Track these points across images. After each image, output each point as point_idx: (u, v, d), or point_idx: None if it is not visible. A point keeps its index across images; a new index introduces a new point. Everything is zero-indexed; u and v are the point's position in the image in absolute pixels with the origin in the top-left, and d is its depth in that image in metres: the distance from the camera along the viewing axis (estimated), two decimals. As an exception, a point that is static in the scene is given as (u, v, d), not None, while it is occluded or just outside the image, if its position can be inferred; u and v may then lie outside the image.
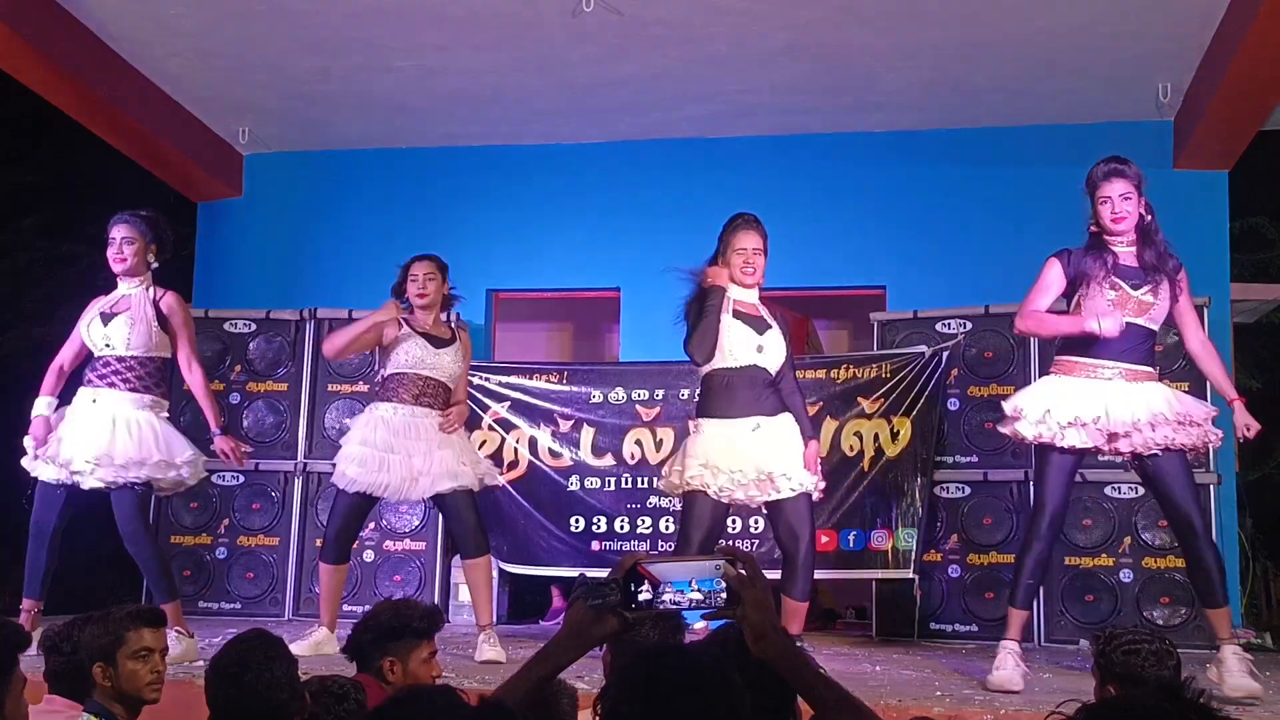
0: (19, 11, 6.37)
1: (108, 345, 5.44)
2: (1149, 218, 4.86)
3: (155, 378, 5.50)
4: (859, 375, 6.86)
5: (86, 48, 6.95)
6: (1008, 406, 4.93)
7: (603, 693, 1.72)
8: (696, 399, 5.29)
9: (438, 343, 5.67)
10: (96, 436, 5.28)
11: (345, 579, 5.88)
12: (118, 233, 5.56)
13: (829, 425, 6.75)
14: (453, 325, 5.92)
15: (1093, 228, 4.90)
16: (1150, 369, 4.88)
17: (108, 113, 7.41)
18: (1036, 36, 6.77)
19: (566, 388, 7.23)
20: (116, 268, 5.56)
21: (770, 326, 5.12)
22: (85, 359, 5.53)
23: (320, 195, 8.59)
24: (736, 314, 5.08)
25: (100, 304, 5.56)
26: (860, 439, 6.78)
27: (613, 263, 8.18)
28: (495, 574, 7.08)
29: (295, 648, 5.03)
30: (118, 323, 5.45)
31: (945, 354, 6.75)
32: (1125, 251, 4.86)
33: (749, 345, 5.04)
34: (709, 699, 1.65)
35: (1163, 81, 7.21)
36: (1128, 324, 4.74)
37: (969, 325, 6.92)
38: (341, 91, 7.72)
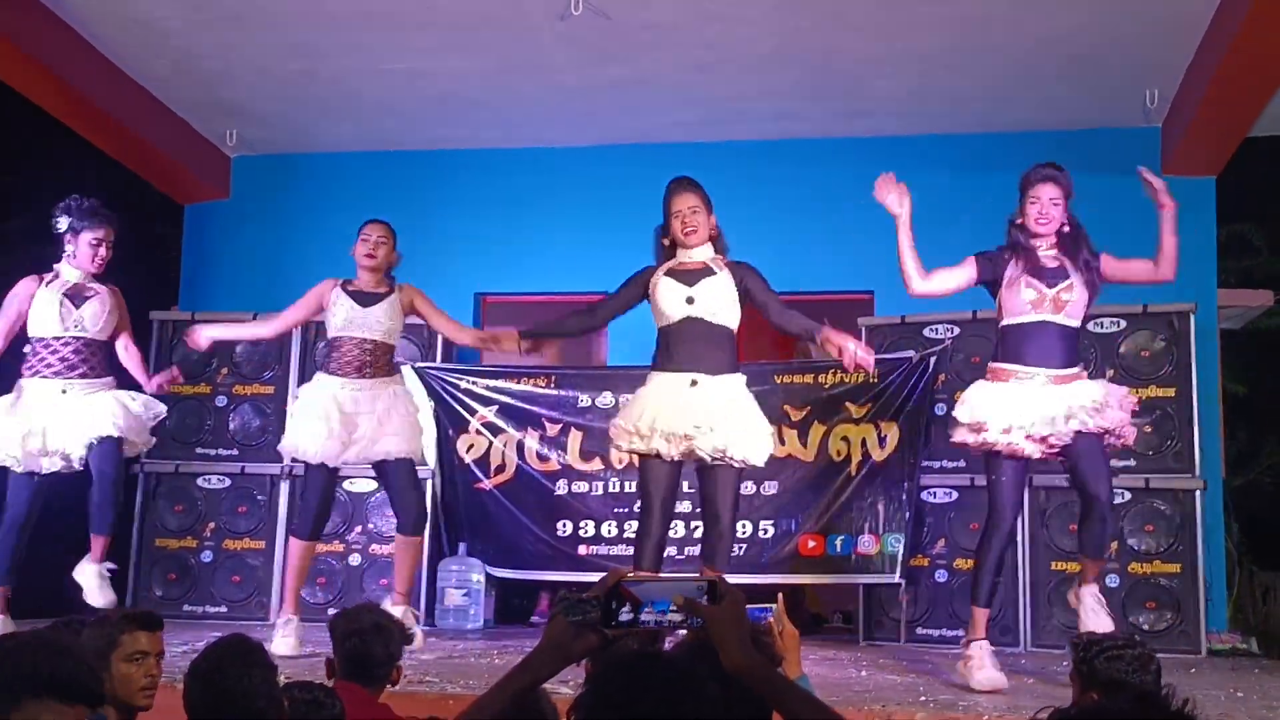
0: (3, 13, 6.35)
1: (77, 326, 5.68)
2: (1070, 230, 5.03)
3: (107, 360, 5.87)
4: (846, 380, 6.83)
5: (73, 49, 6.93)
6: (959, 415, 5.06)
7: (577, 702, 1.71)
8: None
9: (365, 299, 5.67)
10: (87, 419, 5.58)
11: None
12: (104, 234, 5.73)
13: (816, 430, 6.77)
14: (392, 283, 5.86)
15: (1018, 221, 5.12)
16: (1076, 369, 5.00)
17: (94, 115, 7.38)
18: (1024, 43, 6.78)
19: (554, 392, 7.23)
20: (93, 267, 5.77)
21: (711, 274, 5.09)
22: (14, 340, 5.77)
23: (307, 198, 8.57)
24: (671, 272, 5.11)
25: (55, 286, 5.74)
26: (847, 444, 6.79)
27: (601, 267, 8.12)
28: (483, 578, 7.11)
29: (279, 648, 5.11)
30: (91, 305, 5.72)
31: (933, 359, 6.76)
32: (1045, 255, 5.04)
33: (678, 299, 5.06)
34: (683, 712, 1.65)
35: (1150, 88, 7.23)
36: (1045, 323, 4.95)
37: (956, 330, 6.91)
38: (329, 94, 7.71)
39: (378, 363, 5.66)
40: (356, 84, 7.55)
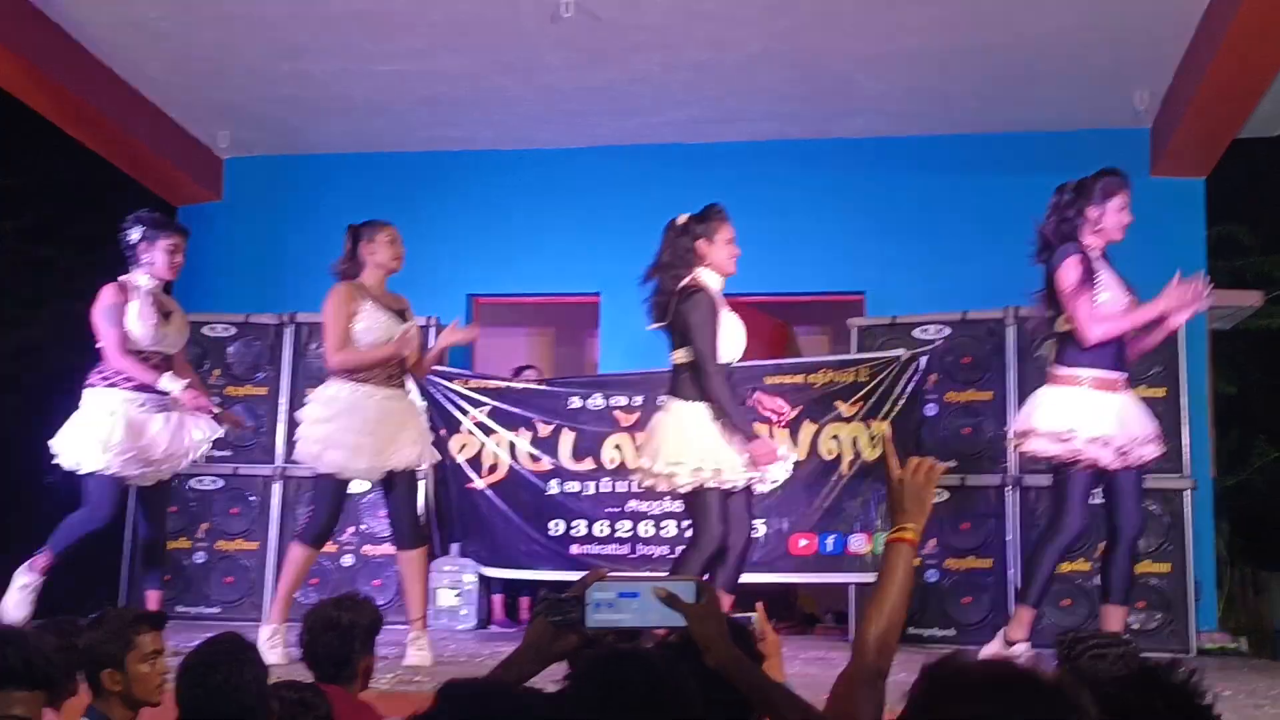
0: (-4, 15, 6.36)
1: (164, 340, 5.62)
2: None
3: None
4: (837, 380, 6.88)
5: (65, 52, 6.93)
6: (1026, 424, 5.00)
7: (558, 696, 1.72)
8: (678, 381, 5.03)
9: (400, 317, 5.54)
10: (174, 434, 5.58)
11: None
12: (179, 241, 5.70)
13: (807, 429, 6.78)
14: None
15: (1097, 225, 4.94)
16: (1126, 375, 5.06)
17: (87, 117, 7.38)
18: (1014, 44, 6.79)
19: (547, 390, 7.27)
20: (170, 274, 5.69)
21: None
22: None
23: (300, 199, 8.57)
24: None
25: (144, 299, 5.60)
26: (838, 443, 6.80)
27: (593, 267, 8.19)
28: (475, 578, 7.12)
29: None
30: (176, 321, 5.71)
31: (923, 359, 6.78)
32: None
33: (739, 339, 5.04)
34: (661, 709, 1.66)
35: (1140, 89, 7.24)
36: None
37: (947, 331, 6.94)
38: (321, 95, 7.72)
39: (400, 377, 5.57)
40: (348, 85, 7.55)
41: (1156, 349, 6.50)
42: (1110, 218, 4.93)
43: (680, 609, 1.90)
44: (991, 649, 4.98)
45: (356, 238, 5.59)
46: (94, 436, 5.43)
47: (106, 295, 5.55)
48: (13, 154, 8.61)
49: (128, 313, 5.54)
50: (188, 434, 5.65)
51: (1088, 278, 4.83)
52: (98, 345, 5.58)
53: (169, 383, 5.49)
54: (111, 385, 5.53)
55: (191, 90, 7.71)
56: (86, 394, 5.56)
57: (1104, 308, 4.86)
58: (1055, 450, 4.91)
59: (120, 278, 5.65)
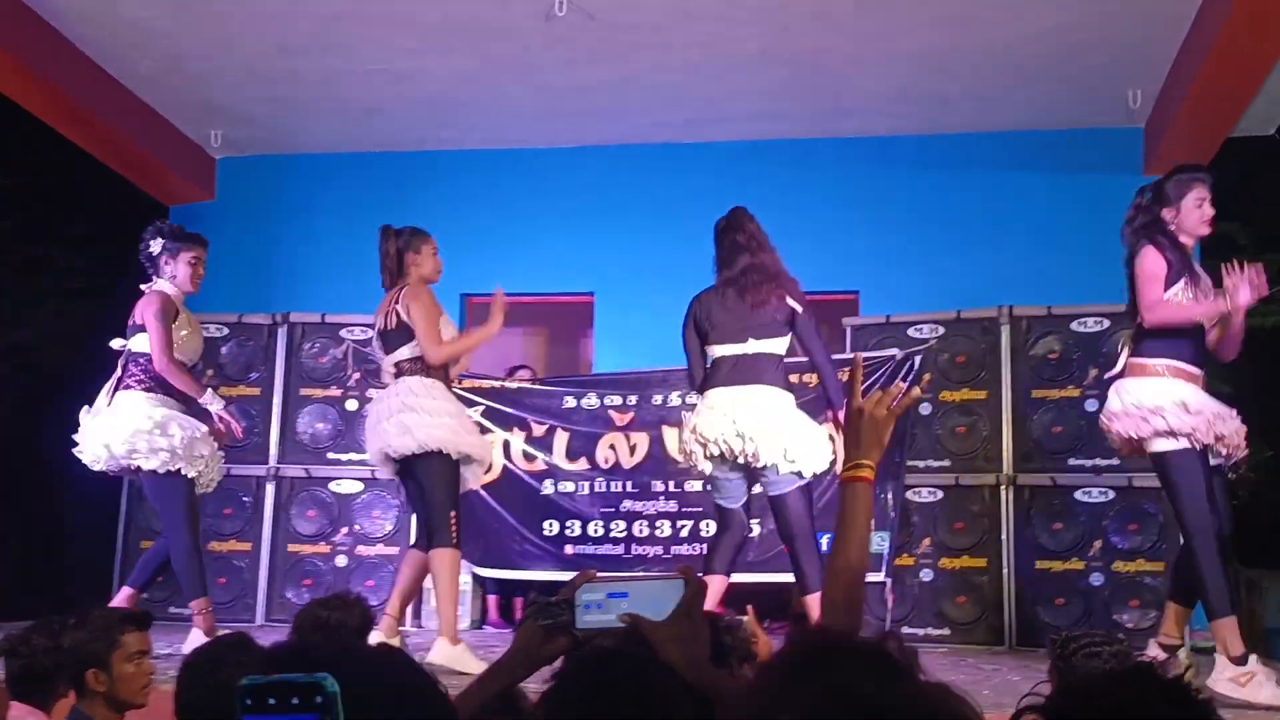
0: (-12, 14, 6.35)
1: (196, 355, 5.82)
2: None
3: None
4: (831, 380, 6.86)
5: (58, 51, 6.91)
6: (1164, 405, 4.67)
7: (544, 696, 1.71)
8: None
9: None
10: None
11: None
12: (201, 253, 5.77)
13: (802, 429, 6.75)
14: None
15: (1173, 221, 4.80)
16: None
17: (79, 116, 7.37)
18: (1008, 43, 6.80)
19: (541, 389, 7.25)
20: (193, 286, 5.74)
21: None
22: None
23: (293, 199, 8.56)
24: None
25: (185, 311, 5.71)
26: (833, 442, 6.78)
27: (587, 267, 8.18)
28: (469, 579, 7.10)
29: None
30: (199, 334, 5.86)
31: (918, 358, 6.77)
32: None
33: None
34: (651, 710, 1.65)
35: (1133, 88, 7.26)
36: (1199, 326, 4.72)
37: (941, 330, 6.94)
38: (314, 95, 7.71)
39: None
40: (341, 85, 7.54)
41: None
42: (1188, 215, 4.79)
43: (642, 632, 1.85)
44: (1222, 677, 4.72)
45: (404, 246, 5.38)
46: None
47: (156, 299, 5.48)
48: (5, 153, 8.58)
49: (179, 322, 5.55)
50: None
51: (1159, 268, 4.68)
52: (123, 347, 5.57)
53: (213, 400, 5.53)
54: (149, 390, 5.49)
55: (184, 90, 7.69)
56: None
57: (1172, 301, 4.69)
58: (1142, 430, 4.65)
59: (155, 287, 5.59)
